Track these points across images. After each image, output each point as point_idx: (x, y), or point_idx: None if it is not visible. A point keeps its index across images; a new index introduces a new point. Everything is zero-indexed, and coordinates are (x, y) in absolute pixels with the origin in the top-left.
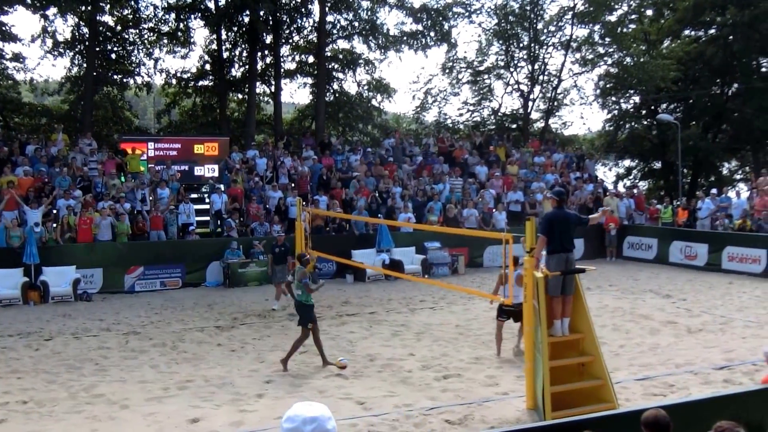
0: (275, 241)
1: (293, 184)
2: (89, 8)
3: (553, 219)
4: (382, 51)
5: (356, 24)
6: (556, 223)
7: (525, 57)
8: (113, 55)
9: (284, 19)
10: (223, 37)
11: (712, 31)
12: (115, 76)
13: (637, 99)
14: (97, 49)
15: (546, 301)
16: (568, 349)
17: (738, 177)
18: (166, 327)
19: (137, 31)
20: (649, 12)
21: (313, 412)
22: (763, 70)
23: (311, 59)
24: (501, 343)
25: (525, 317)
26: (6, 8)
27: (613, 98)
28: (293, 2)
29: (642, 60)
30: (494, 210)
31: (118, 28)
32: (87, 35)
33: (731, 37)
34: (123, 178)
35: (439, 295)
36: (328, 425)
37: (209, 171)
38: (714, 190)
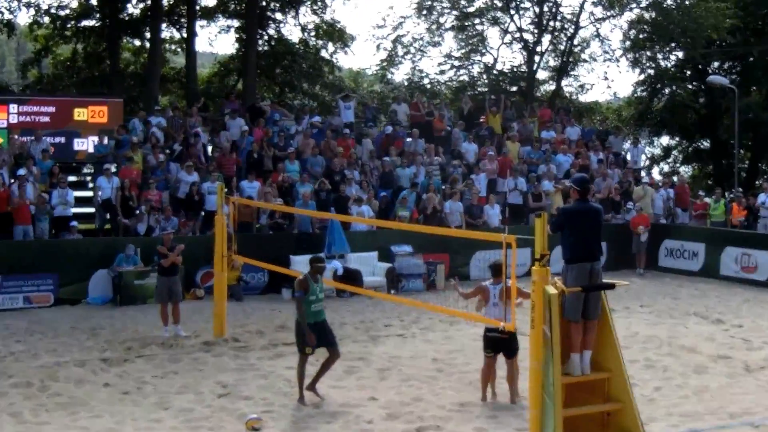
0: (162, 244)
1: (212, 165)
2: None
3: (573, 214)
4: None
5: None
6: (579, 221)
7: None
8: None
9: None
10: None
11: None
12: None
13: (680, 55)
14: None
15: (561, 328)
16: (588, 392)
17: None
18: (32, 360)
19: None
20: None
21: None
22: None
23: None
24: (492, 383)
25: (532, 349)
26: None
27: (648, 53)
28: None
29: (688, 2)
30: (486, 203)
31: None
32: None
33: None
34: None
35: (410, 318)
36: None
37: (95, 145)
38: None
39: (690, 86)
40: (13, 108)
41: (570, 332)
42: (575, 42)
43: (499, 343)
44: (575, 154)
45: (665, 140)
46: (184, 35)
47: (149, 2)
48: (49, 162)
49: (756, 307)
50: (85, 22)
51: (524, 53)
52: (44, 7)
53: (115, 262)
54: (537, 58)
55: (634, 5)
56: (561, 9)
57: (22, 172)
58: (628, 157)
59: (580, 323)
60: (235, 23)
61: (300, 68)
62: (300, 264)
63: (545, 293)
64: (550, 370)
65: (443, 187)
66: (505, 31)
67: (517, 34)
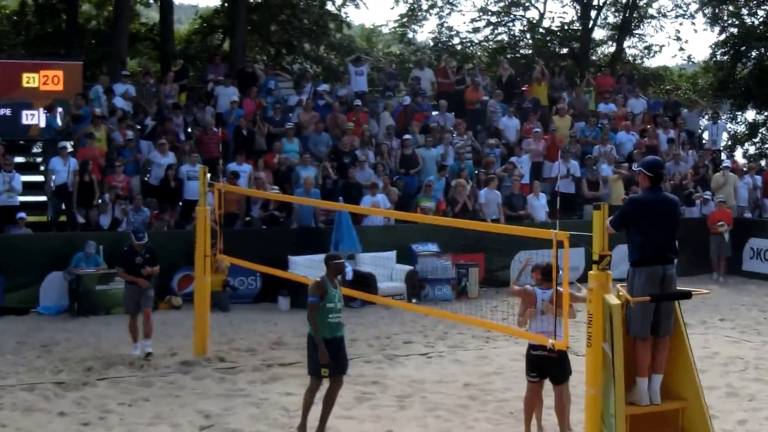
0: (129, 246)
1: (192, 143)
2: None
3: (643, 207)
4: None
5: None
6: (649, 214)
7: None
8: None
9: None
10: None
11: None
12: None
13: None
14: None
15: (625, 347)
16: (658, 426)
17: None
18: None
19: None
20: None
21: None
22: None
23: None
24: (538, 414)
25: (588, 372)
26: None
27: (730, 8)
28: None
29: None
30: (530, 191)
31: None
32: None
33: None
34: None
35: (436, 333)
36: None
37: (47, 118)
38: None
39: None
40: None
41: (636, 352)
42: None
43: (547, 364)
44: (640, 132)
45: (751, 115)
46: None
47: None
48: None
49: None
50: None
51: (577, 7)
52: None
53: (72, 263)
54: (593, 14)
55: None
56: None
57: None
58: (705, 135)
59: (649, 341)
60: None
61: (300, 25)
62: (300, 266)
63: (605, 303)
64: (610, 399)
65: (477, 172)
66: None
67: None
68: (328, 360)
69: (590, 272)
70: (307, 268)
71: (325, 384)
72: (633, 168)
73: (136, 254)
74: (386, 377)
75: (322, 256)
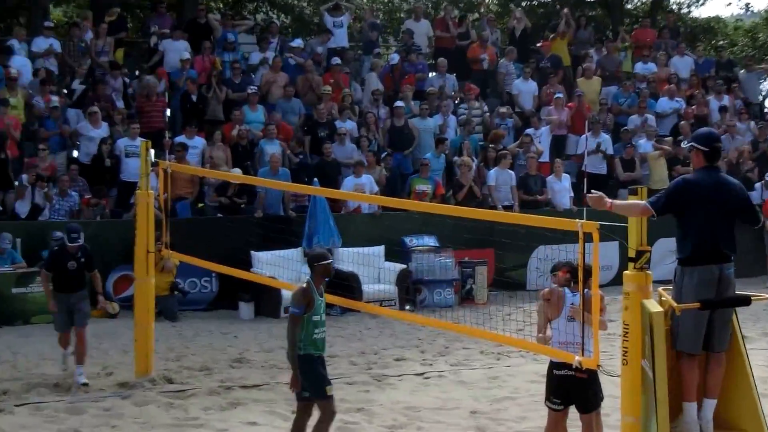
0: (60, 247)
1: (131, 112)
2: None
3: (697, 190)
4: None
5: None
6: (704, 200)
7: None
8: None
9: None
10: None
11: None
12: None
13: None
14: None
15: (670, 365)
16: None
17: None
18: None
19: None
20: None
21: None
22: None
23: None
24: None
25: (624, 397)
26: None
27: None
28: None
29: None
30: (551, 172)
31: None
32: None
33: None
34: None
35: (435, 348)
36: None
37: None
38: None
39: None
40: None
41: (684, 371)
42: None
43: (573, 387)
44: (687, 99)
45: None
46: None
47: None
48: None
49: None
50: None
51: None
52: None
53: None
54: None
55: None
56: None
57: None
58: (767, 103)
59: (700, 358)
60: None
61: None
62: (266, 265)
63: (644, 311)
64: (652, 430)
65: (485, 147)
66: None
67: None
68: (299, 387)
69: (626, 272)
70: (275, 266)
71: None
72: (680, 143)
73: (68, 258)
74: (374, 403)
75: (291, 252)
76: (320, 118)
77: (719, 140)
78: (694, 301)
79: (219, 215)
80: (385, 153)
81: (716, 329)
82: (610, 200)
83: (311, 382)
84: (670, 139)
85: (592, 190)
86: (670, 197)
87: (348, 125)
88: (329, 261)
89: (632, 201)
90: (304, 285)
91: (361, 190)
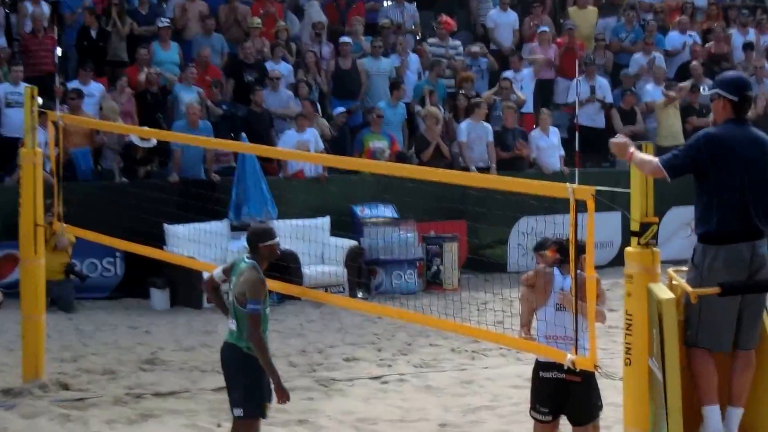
0: None
1: (14, 51)
2: None
3: (723, 146)
4: None
5: None
6: (732, 160)
7: None
8: None
9: None
10: None
11: None
12: None
13: None
14: None
15: (685, 365)
16: None
17: None
18: None
19: None
20: None
21: None
22: None
23: None
24: None
25: (626, 405)
26: None
27: None
28: None
29: None
30: (535, 125)
31: None
32: None
33: None
34: None
35: (394, 344)
36: None
37: None
38: None
39: None
40: None
41: (704, 372)
42: None
43: (564, 393)
44: (702, 33)
45: None
46: None
47: None
48: None
49: None
50: None
51: None
52: None
53: None
54: None
55: None
56: None
57: None
58: None
59: (723, 358)
60: None
61: None
62: (184, 241)
63: (652, 298)
64: None
65: (455, 94)
66: None
67: None
68: (287, 396)
69: (627, 249)
70: (194, 243)
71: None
72: (698, 89)
73: None
74: (319, 413)
75: (215, 225)
76: (247, 58)
77: (750, 87)
78: (717, 286)
79: (124, 179)
80: (334, 104)
81: (744, 322)
82: (634, 149)
83: (251, 396)
84: (682, 84)
85: (618, 134)
86: (689, 155)
87: (282, 67)
88: (276, 240)
89: (647, 156)
90: (257, 273)
91: (305, 149)
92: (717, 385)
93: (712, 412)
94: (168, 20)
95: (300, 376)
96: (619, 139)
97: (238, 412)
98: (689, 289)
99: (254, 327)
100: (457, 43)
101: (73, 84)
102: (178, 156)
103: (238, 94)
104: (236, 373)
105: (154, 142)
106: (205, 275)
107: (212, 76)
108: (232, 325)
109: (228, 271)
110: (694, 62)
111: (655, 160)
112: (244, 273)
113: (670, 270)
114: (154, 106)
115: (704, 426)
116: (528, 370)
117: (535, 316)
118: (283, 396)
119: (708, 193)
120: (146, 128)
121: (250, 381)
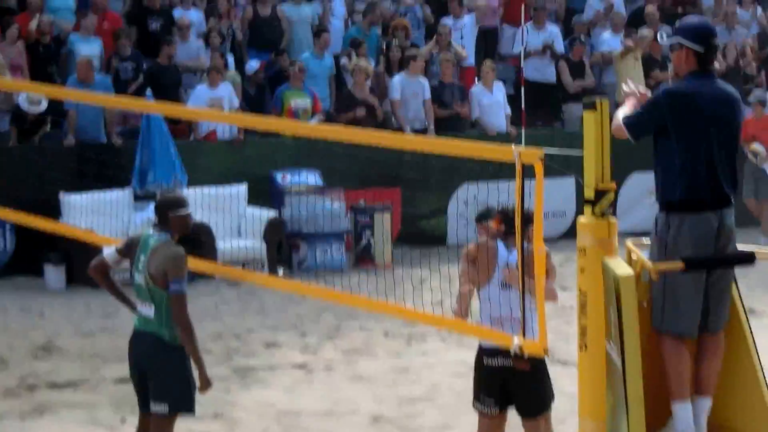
0: None
1: None
2: None
3: (687, 103)
4: None
5: None
6: (696, 117)
7: None
8: None
9: None
10: None
11: None
12: None
13: None
14: None
15: (647, 350)
16: None
17: None
18: None
19: None
20: None
21: None
22: None
23: None
24: None
25: (581, 396)
26: None
27: None
28: None
29: None
30: (477, 78)
31: None
32: None
33: None
34: None
35: (320, 328)
36: None
37: None
38: None
39: None
40: None
41: (670, 359)
42: None
43: (512, 382)
44: None
45: None
46: None
47: None
48: None
49: None
50: None
51: None
52: None
53: None
54: None
55: None
56: None
57: None
58: None
59: (692, 342)
60: None
61: None
62: (82, 212)
63: (608, 274)
64: None
65: (388, 44)
66: None
67: None
68: (210, 386)
69: (580, 218)
70: (93, 214)
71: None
72: (660, 37)
73: None
74: (236, 406)
75: (117, 195)
76: (152, 4)
77: (715, 34)
78: (683, 260)
79: (15, 143)
80: (250, 56)
81: (711, 301)
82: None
83: (178, 390)
84: (647, 32)
85: (629, 81)
86: (650, 113)
87: (192, 15)
88: (188, 210)
89: (619, 112)
90: (177, 246)
91: (219, 106)
92: (690, 377)
93: (682, 410)
94: None
95: (215, 364)
96: (629, 86)
97: (162, 407)
98: (649, 264)
99: (181, 310)
100: None
101: None
102: (73, 116)
103: (142, 44)
104: (160, 365)
105: (44, 106)
106: (108, 249)
107: (112, 24)
108: (147, 310)
109: (128, 250)
110: (650, 6)
111: (621, 116)
112: (160, 249)
113: (629, 242)
114: (47, 59)
115: (673, 424)
116: (471, 357)
117: (477, 295)
118: (208, 385)
119: (670, 156)
120: (36, 84)
121: (177, 373)
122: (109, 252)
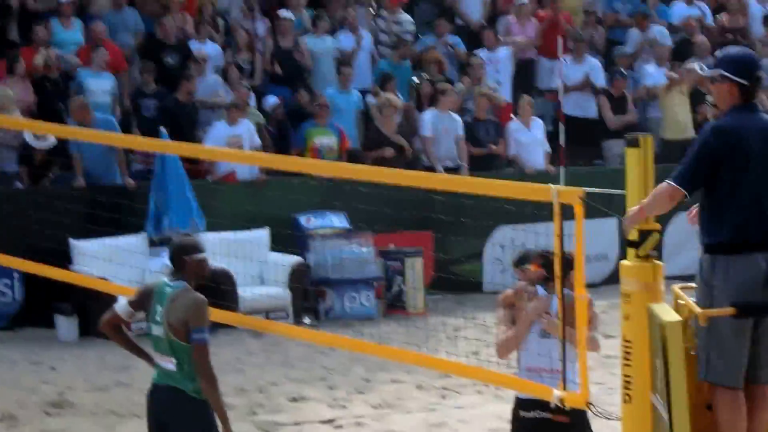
0: None
1: None
2: None
3: (734, 140)
4: None
5: None
6: (747, 155)
7: None
8: None
9: None
10: None
11: None
12: None
13: None
14: None
15: (695, 402)
16: None
17: None
18: None
19: None
20: None
21: None
22: None
23: None
24: None
25: None
26: None
27: None
28: None
29: None
30: (514, 115)
31: None
32: None
33: None
34: None
35: (350, 382)
36: None
37: None
38: None
39: None
40: None
41: (722, 412)
42: None
43: None
44: (714, 3)
45: None
46: None
47: None
48: None
49: None
50: None
51: None
52: None
53: None
54: None
55: None
56: None
57: None
58: None
59: (740, 393)
60: None
61: None
62: (94, 259)
63: (654, 321)
64: None
65: (417, 80)
66: None
67: None
68: None
69: (623, 262)
70: (106, 261)
71: None
72: (700, 68)
73: None
74: None
75: (130, 241)
76: (167, 38)
77: (760, 66)
78: (731, 307)
79: (20, 186)
80: (271, 92)
81: (762, 350)
82: (638, 205)
83: None
84: (693, 64)
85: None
86: (702, 156)
87: (209, 48)
88: (204, 255)
89: (655, 190)
90: (192, 292)
91: (238, 145)
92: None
93: None
94: None
95: (238, 420)
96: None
97: None
98: (697, 310)
99: (205, 360)
100: (406, 17)
101: None
102: (78, 159)
103: (161, 79)
104: (183, 420)
105: (52, 140)
106: (120, 303)
107: (118, 59)
108: (167, 364)
109: (142, 301)
110: (700, 37)
111: (663, 184)
112: (178, 297)
113: (675, 287)
114: (55, 95)
115: None
116: (508, 410)
117: (522, 339)
118: None
119: (716, 196)
120: (40, 122)
121: (201, 427)
122: (121, 305)
